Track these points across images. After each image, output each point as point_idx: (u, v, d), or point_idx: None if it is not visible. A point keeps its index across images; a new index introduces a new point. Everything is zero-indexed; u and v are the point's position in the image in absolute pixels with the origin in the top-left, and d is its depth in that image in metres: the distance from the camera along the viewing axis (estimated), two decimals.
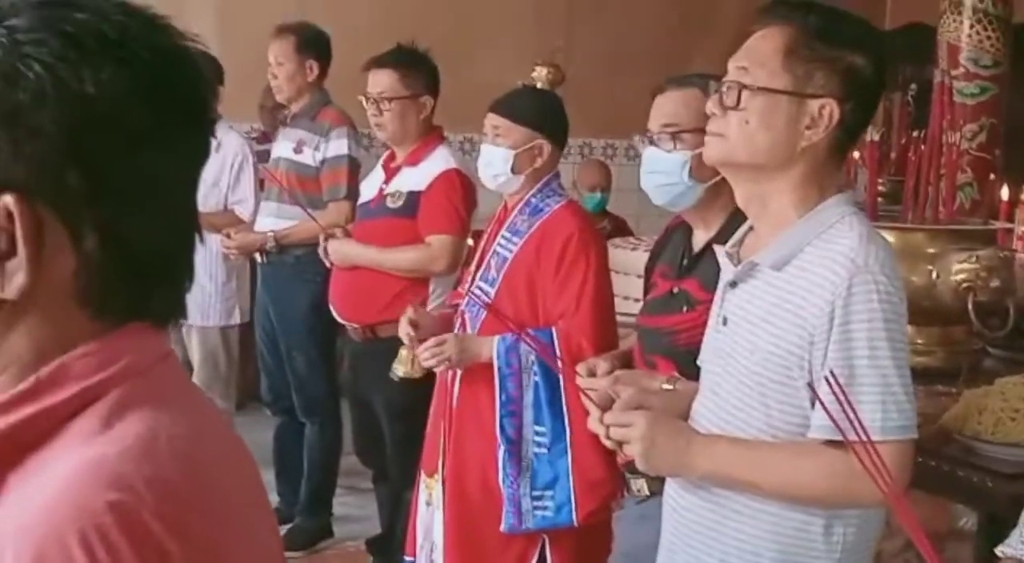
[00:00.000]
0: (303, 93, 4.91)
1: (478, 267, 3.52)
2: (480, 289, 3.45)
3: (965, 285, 3.18)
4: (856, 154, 4.24)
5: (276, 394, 5.16)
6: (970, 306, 3.14)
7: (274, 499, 5.17)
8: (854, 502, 2.01)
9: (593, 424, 2.17)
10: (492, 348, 3.34)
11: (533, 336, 3.18)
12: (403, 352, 3.63)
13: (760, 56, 2.02)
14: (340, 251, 4.28)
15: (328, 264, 4.36)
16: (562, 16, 7.61)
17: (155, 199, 0.94)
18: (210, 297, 5.27)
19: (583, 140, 7.71)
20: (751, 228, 2.16)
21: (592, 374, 2.72)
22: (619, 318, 4.25)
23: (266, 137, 6.20)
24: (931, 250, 3.26)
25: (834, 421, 1.64)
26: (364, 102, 4.21)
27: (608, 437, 2.13)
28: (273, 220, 4.91)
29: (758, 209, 2.10)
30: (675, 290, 2.76)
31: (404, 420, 4.14)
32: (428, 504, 3.54)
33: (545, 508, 3.32)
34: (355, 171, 4.80)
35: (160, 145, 0.94)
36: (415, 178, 4.16)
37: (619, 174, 6.49)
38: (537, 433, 3.33)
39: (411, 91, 4.18)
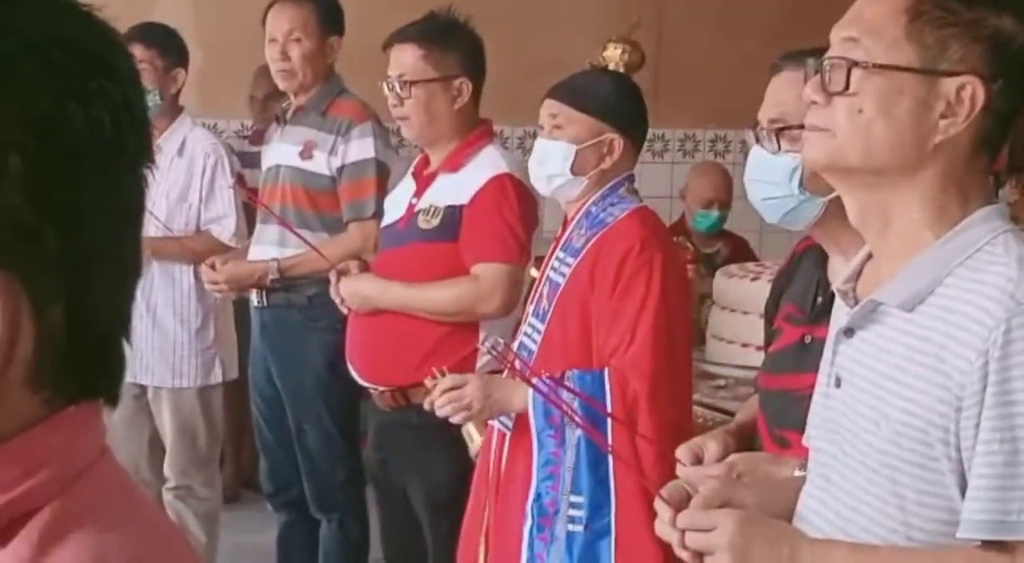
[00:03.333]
0: (318, 80, 4.90)
1: (530, 300, 3.58)
2: (532, 327, 3.50)
3: None
4: None
5: (280, 482, 5.16)
6: None
7: None
8: None
9: (663, 528, 2.13)
10: (527, 395, 3.36)
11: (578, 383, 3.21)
12: (471, 428, 3.64)
13: (875, 22, 1.99)
14: (355, 291, 4.24)
15: (343, 309, 4.31)
16: None
17: (113, 250, 0.97)
18: (183, 349, 5.23)
19: (684, 132, 7.71)
20: (870, 256, 2.13)
21: (698, 460, 2.67)
22: (737, 372, 4.20)
23: (260, 136, 6.17)
24: None
25: None
26: (385, 89, 4.18)
27: (683, 546, 2.08)
28: (274, 249, 4.88)
29: (878, 229, 2.06)
30: (807, 339, 2.71)
31: (451, 514, 4.07)
32: None
33: None
34: (384, 179, 4.82)
35: (122, 179, 0.97)
36: (455, 188, 4.10)
37: (736, 177, 6.42)
38: (573, 504, 3.33)
39: (440, 72, 4.14)
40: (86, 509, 0.94)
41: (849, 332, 2.07)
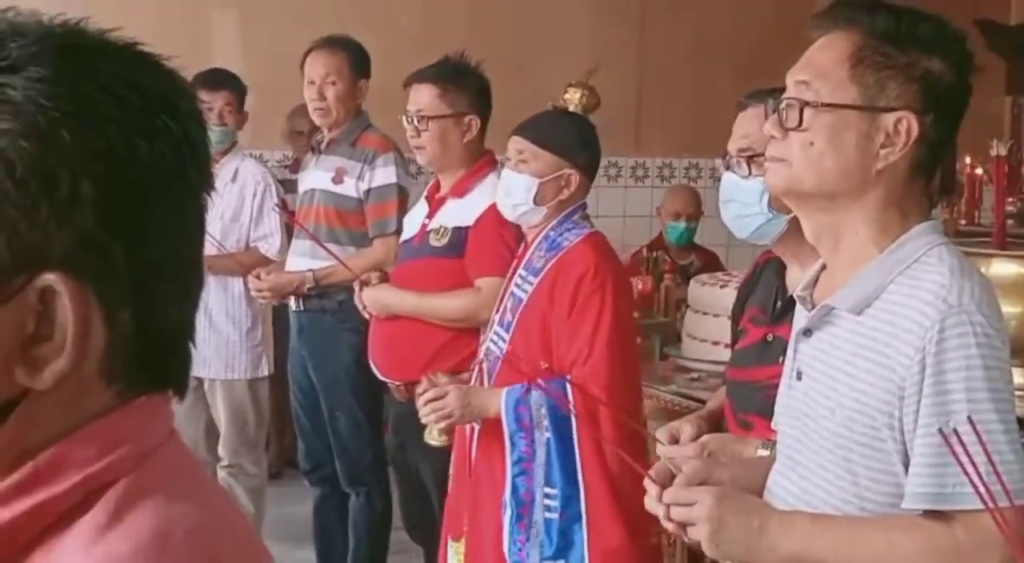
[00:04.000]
0: (349, 117, 4.88)
1: (497, 310, 3.55)
2: (497, 335, 3.48)
3: None
4: (980, 171, 4.14)
5: (315, 461, 5.11)
6: None
7: None
8: None
9: (651, 504, 2.11)
10: (501, 402, 3.36)
11: (546, 385, 3.18)
12: (433, 430, 3.65)
13: (823, 67, 1.99)
14: (376, 299, 4.24)
15: (365, 314, 4.32)
16: (634, 20, 7.54)
17: (180, 260, 0.98)
18: (235, 347, 5.23)
19: (663, 160, 7.65)
20: (824, 266, 2.12)
21: (675, 440, 2.67)
22: (708, 367, 4.19)
23: (298, 165, 6.17)
24: None
25: (975, 486, 1.63)
26: (404, 122, 4.18)
27: (669, 518, 2.07)
28: (307, 260, 4.87)
29: (831, 244, 2.05)
30: (769, 337, 2.71)
31: None
32: None
33: None
34: (404, 201, 4.78)
35: (187, 204, 0.98)
36: (462, 212, 4.10)
37: (707, 199, 6.41)
38: (548, 495, 3.33)
39: (454, 109, 4.13)
40: (155, 483, 0.93)
41: (807, 332, 2.06)
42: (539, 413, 3.31)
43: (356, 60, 4.88)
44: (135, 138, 0.91)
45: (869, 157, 1.97)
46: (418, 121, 4.11)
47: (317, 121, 5.01)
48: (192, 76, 4.68)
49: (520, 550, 3.33)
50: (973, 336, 1.87)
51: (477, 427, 3.49)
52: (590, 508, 3.29)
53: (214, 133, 4.84)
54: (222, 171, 5.10)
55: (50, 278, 0.89)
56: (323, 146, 4.96)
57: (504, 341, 3.44)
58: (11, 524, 0.89)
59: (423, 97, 4.13)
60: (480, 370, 3.53)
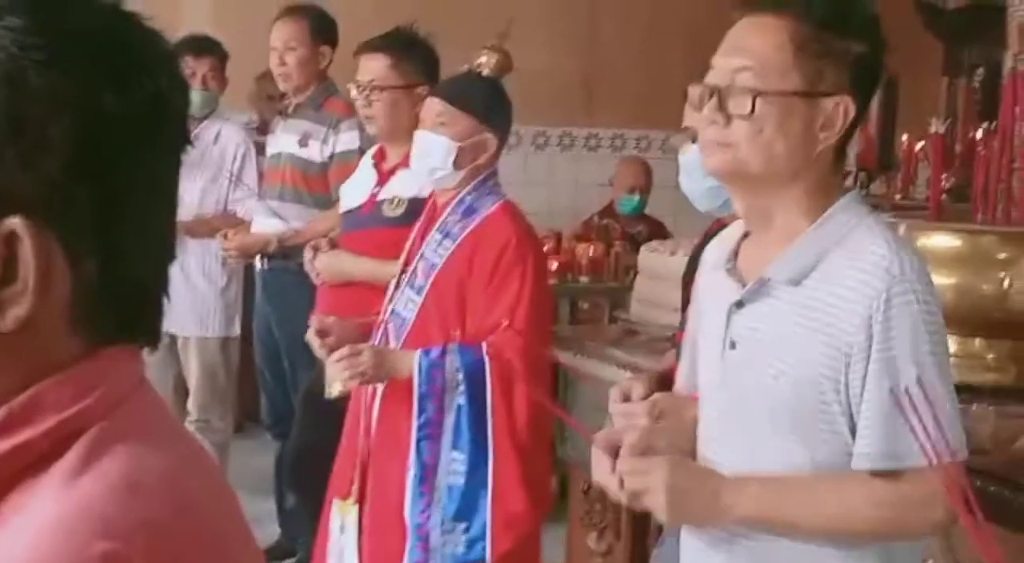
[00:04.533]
0: (311, 82, 4.90)
1: (403, 271, 3.49)
2: (407, 298, 3.41)
3: None
4: (918, 147, 4.20)
5: (278, 416, 5.13)
6: None
7: (275, 531, 5.16)
8: (905, 534, 2.01)
9: (602, 475, 2.08)
10: (413, 364, 3.28)
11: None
12: (330, 371, 3.48)
13: (764, 53, 1.98)
14: (334, 266, 4.22)
15: (317, 281, 4.30)
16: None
17: (150, 215, 0.96)
18: (210, 305, 5.26)
19: (614, 131, 7.68)
20: (743, 237, 2.13)
21: (627, 398, 2.67)
22: (657, 331, 4.23)
23: (265, 128, 6.18)
24: (1003, 255, 3.22)
25: (922, 445, 1.65)
26: (354, 91, 4.15)
27: (621, 488, 2.04)
28: (273, 221, 4.88)
29: (762, 221, 2.07)
30: None
31: None
32: (342, 530, 3.49)
33: (456, 543, 3.28)
34: None
35: (158, 158, 0.96)
36: (414, 181, 4.00)
37: (655, 170, 6.46)
38: (454, 460, 3.28)
39: (405, 80, 4.10)
40: (128, 428, 0.93)
41: (739, 304, 2.05)
42: (454, 377, 3.25)
43: (318, 27, 4.90)
44: (106, 89, 0.91)
45: (811, 141, 1.99)
46: (370, 91, 4.08)
47: (280, 86, 5.07)
48: (178, 41, 4.73)
49: (422, 512, 3.28)
50: (917, 304, 1.92)
51: (380, 388, 3.39)
52: (498, 475, 3.25)
53: (197, 97, 4.94)
54: (204, 134, 5.17)
55: (14, 222, 0.88)
56: (290, 110, 4.99)
57: (414, 304, 3.38)
58: None
59: (374, 67, 4.11)
60: (386, 331, 3.43)
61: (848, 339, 1.93)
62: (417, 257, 3.43)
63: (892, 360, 1.91)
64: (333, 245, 4.26)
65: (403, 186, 4.06)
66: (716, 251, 2.22)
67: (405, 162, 3.96)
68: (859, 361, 1.92)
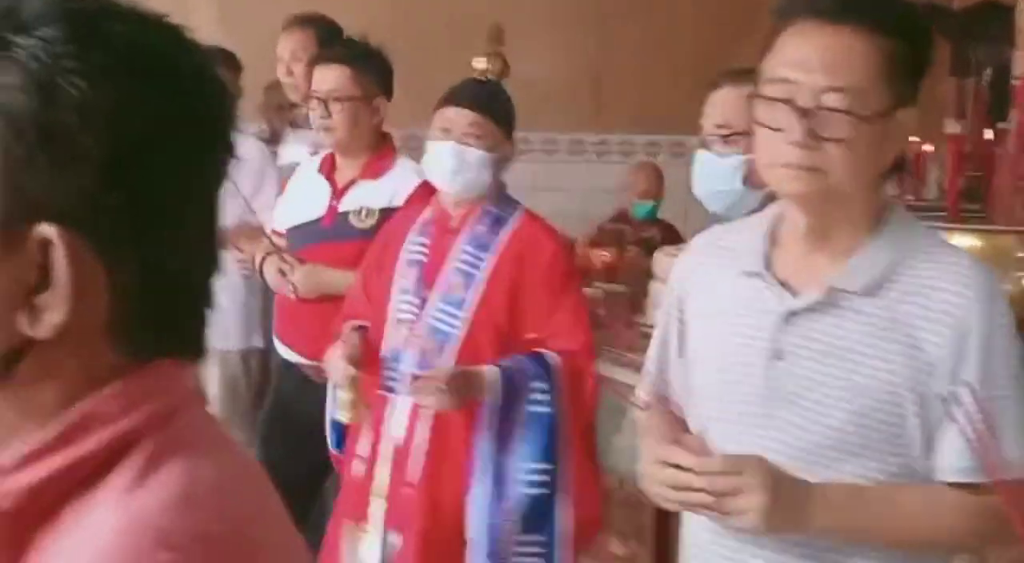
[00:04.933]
0: None
1: (429, 286, 3.37)
2: (443, 312, 3.32)
3: None
4: (930, 147, 4.19)
5: None
6: None
7: None
8: (987, 543, 2.05)
9: (680, 476, 1.91)
10: (493, 379, 3.22)
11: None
12: (344, 395, 3.40)
13: (859, 74, 1.87)
14: (312, 280, 4.03)
15: (291, 296, 4.10)
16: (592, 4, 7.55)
17: (190, 226, 0.97)
18: (230, 316, 5.21)
19: (623, 136, 7.66)
20: (769, 243, 2.04)
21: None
22: None
23: (276, 138, 6.17)
24: (1022, 254, 3.21)
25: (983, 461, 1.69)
26: (313, 103, 4.05)
27: (705, 490, 1.89)
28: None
29: (822, 233, 1.98)
30: None
31: None
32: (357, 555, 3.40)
33: (530, 554, 3.26)
34: None
35: (196, 168, 0.97)
36: (382, 193, 3.96)
37: (666, 175, 6.45)
38: (529, 470, 3.24)
39: (364, 92, 4.03)
40: (181, 441, 0.94)
41: (793, 313, 1.96)
42: (527, 387, 3.22)
43: (324, 36, 4.88)
44: (138, 98, 0.91)
45: (888, 154, 1.95)
46: (330, 102, 3.99)
47: (289, 96, 5.04)
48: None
49: (493, 525, 3.22)
50: (1005, 318, 1.91)
51: (404, 411, 3.30)
52: (573, 483, 3.24)
53: None
54: None
55: (47, 230, 0.89)
56: (301, 120, 4.98)
57: (456, 318, 3.29)
58: (41, 484, 0.90)
59: (334, 77, 4.01)
60: (421, 351, 3.31)
61: (936, 352, 1.89)
62: (447, 269, 3.35)
63: (992, 378, 1.89)
64: (300, 261, 4.07)
65: (370, 197, 3.99)
66: (713, 250, 2.15)
67: (366, 174, 4.01)
68: (943, 375, 1.89)
